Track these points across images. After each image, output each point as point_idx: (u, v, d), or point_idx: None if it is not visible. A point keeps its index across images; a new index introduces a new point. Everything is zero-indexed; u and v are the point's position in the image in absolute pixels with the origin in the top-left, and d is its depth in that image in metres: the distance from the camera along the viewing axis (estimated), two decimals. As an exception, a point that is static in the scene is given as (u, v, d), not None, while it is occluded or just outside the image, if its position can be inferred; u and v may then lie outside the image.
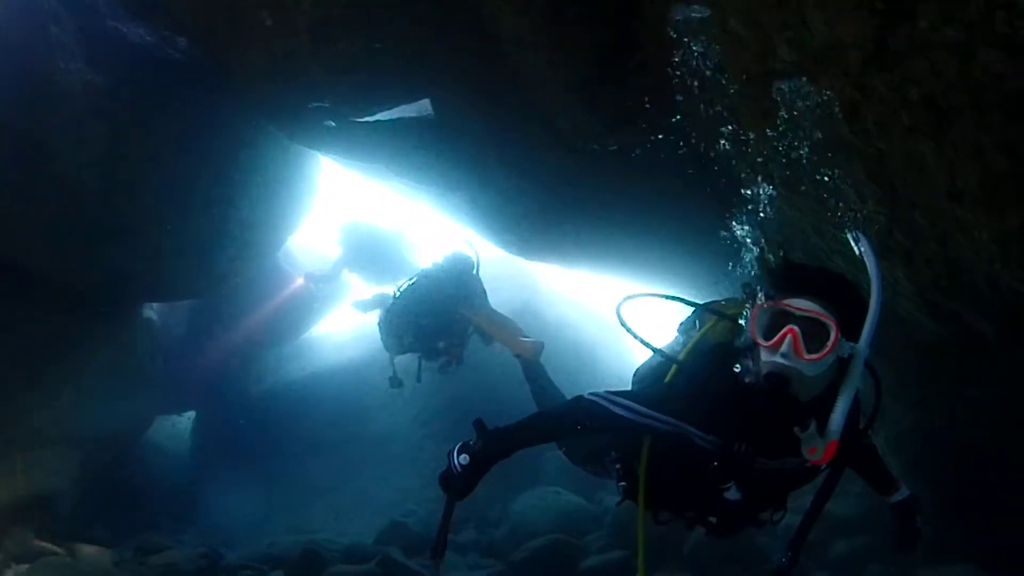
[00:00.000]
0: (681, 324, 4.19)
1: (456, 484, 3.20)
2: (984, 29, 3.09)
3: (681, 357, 3.83)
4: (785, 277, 3.32)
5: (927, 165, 3.90)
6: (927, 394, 7.84)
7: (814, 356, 3.14)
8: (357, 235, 14.00)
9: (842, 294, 3.27)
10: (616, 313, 4.00)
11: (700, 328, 4.03)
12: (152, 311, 13.98)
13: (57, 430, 10.82)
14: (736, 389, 3.40)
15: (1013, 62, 3.11)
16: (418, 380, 9.82)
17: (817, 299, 3.17)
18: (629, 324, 3.93)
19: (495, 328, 8.79)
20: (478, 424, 3.34)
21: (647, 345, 3.99)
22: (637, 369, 4.36)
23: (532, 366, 7.54)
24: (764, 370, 3.23)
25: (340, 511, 13.43)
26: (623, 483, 3.94)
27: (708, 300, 4.22)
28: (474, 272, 9.29)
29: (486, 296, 9.27)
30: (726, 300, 4.14)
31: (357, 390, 15.92)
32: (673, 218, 7.94)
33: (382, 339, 9.93)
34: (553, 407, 4.65)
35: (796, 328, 3.13)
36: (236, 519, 13.57)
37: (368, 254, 13.83)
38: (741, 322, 3.45)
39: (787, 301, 3.18)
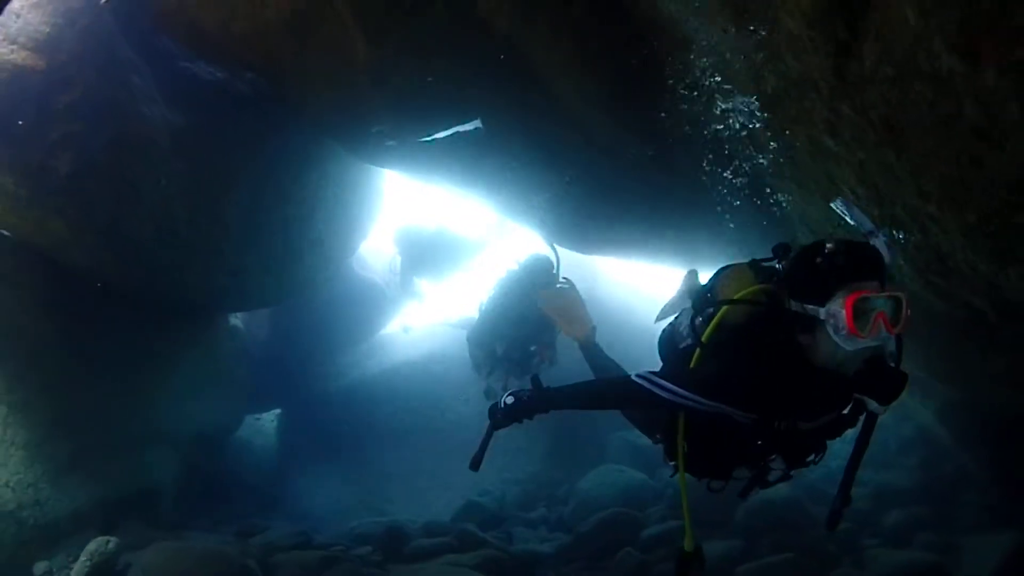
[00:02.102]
0: (694, 298, 4.21)
1: (496, 417, 3.71)
2: (912, 66, 3.51)
3: (704, 339, 3.85)
4: (850, 265, 3.32)
5: (897, 170, 4.26)
6: (955, 367, 7.82)
7: (900, 328, 3.35)
8: (412, 239, 14.37)
9: (883, 264, 3.39)
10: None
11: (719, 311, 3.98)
12: (237, 318, 14.55)
13: (156, 430, 11.20)
14: (798, 369, 3.47)
15: (940, 91, 3.50)
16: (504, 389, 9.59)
17: (877, 277, 3.31)
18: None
19: (554, 313, 8.87)
20: (534, 379, 3.79)
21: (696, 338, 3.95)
22: (659, 337, 4.45)
23: (589, 347, 7.58)
24: (863, 355, 3.34)
25: (419, 495, 13.67)
26: (672, 461, 4.01)
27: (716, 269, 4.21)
28: (554, 272, 9.37)
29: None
30: (726, 273, 4.10)
31: (430, 382, 16.32)
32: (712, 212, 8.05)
33: (472, 355, 10.10)
34: (602, 381, 4.95)
35: (883, 311, 3.28)
36: (321, 507, 13.90)
37: (425, 255, 14.22)
38: (822, 316, 3.31)
39: (861, 288, 3.25)
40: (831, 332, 3.30)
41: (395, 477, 14.82)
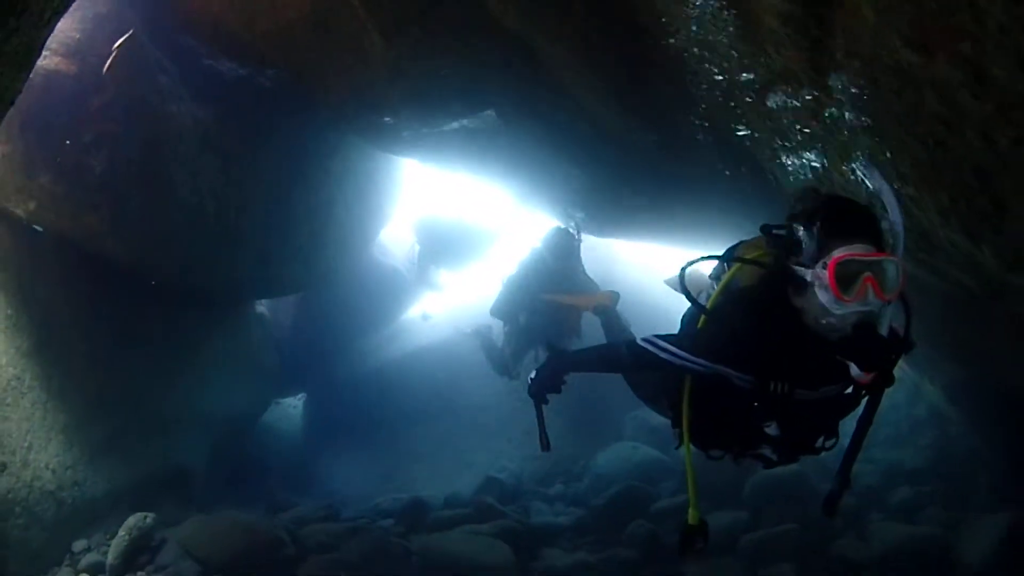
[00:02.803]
0: (712, 271, 4.30)
1: (532, 394, 3.96)
2: (876, 59, 3.76)
3: (709, 306, 3.87)
4: (836, 225, 3.26)
5: (877, 151, 4.45)
6: (955, 343, 8.02)
7: (892, 295, 3.25)
8: (432, 229, 14.49)
9: (877, 225, 3.29)
10: (681, 281, 3.96)
11: (726, 273, 4.02)
12: (263, 306, 14.89)
13: (188, 413, 11.44)
14: (793, 330, 3.42)
15: (903, 81, 3.74)
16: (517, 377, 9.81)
17: (870, 240, 3.21)
18: (687, 287, 3.91)
19: (572, 299, 9.03)
20: (550, 346, 4.10)
21: (691, 299, 3.94)
22: (683, 315, 4.40)
23: (609, 317, 7.77)
24: (851, 320, 3.24)
25: (440, 474, 13.74)
26: (677, 429, 3.96)
27: (731, 244, 4.17)
28: (576, 238, 9.54)
29: (583, 267, 9.48)
30: (744, 242, 4.07)
31: (451, 365, 16.23)
32: (714, 191, 8.23)
33: (484, 348, 10.25)
34: (612, 345, 4.87)
35: (871, 275, 3.17)
36: (346, 487, 14.15)
37: (443, 245, 14.38)
38: (809, 278, 3.29)
39: (850, 251, 3.17)
40: (819, 295, 3.24)
41: (417, 457, 14.97)
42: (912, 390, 11.91)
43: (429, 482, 13.22)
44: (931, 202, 4.50)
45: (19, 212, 8.32)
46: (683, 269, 3.97)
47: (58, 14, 3.80)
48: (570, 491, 12.15)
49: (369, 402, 16.52)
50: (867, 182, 4.02)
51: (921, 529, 9.32)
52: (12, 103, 3.90)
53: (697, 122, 6.84)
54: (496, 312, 9.94)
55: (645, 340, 3.73)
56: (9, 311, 8.22)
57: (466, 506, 10.72)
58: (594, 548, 9.53)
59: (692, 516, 3.85)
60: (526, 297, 9.50)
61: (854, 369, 3.41)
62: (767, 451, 4.01)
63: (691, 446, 3.87)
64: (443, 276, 15.94)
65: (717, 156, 7.18)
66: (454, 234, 14.82)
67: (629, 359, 3.89)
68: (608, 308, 8.08)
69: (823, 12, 3.98)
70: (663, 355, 3.62)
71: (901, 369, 12.30)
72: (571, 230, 9.72)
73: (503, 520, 9.88)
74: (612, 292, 8.53)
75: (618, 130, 8.06)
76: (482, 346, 10.39)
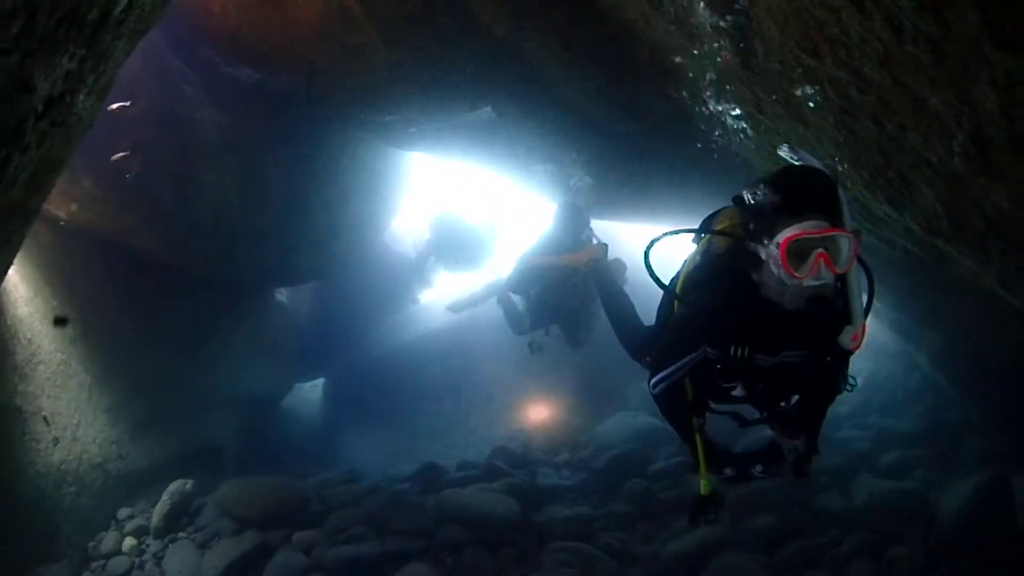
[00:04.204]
0: (694, 239, 4.24)
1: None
2: (786, 61, 4.27)
3: (678, 290, 3.97)
4: (788, 202, 3.23)
5: (810, 139, 4.97)
6: (924, 308, 8.46)
7: (844, 268, 3.26)
8: (444, 226, 14.66)
9: (830, 197, 3.26)
10: (645, 260, 3.95)
11: (702, 242, 4.04)
12: (282, 295, 15.30)
13: (218, 395, 11.92)
14: (753, 301, 3.47)
15: (808, 79, 4.28)
16: (539, 350, 9.96)
17: (823, 213, 3.19)
18: (653, 267, 3.91)
19: (562, 258, 9.05)
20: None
21: (661, 285, 4.03)
22: (659, 304, 4.59)
23: (600, 271, 7.93)
24: (805, 294, 3.28)
25: (453, 447, 14.16)
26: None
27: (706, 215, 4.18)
28: (583, 215, 9.48)
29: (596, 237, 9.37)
30: (721, 211, 4.07)
31: (462, 345, 16.70)
32: (693, 176, 8.60)
33: (504, 309, 10.25)
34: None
35: (824, 250, 3.17)
36: (365, 462, 14.12)
37: (453, 244, 14.56)
38: (763, 255, 3.32)
39: (800, 228, 3.15)
40: (774, 271, 3.29)
41: (431, 434, 15.39)
42: (908, 360, 12.17)
43: (443, 455, 13.46)
44: (858, 178, 4.98)
45: (61, 214, 8.57)
46: (647, 249, 3.98)
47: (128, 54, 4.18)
48: (575, 458, 12.40)
49: (385, 383, 16.85)
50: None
51: (903, 484, 9.65)
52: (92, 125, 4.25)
53: (672, 111, 7.20)
54: (511, 287, 10.09)
55: (656, 384, 3.80)
56: (54, 302, 8.44)
57: (477, 468, 11.11)
58: (594, 505, 9.98)
59: (704, 487, 3.95)
60: (536, 270, 9.58)
61: (844, 336, 3.42)
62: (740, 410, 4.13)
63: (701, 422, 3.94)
64: (439, 272, 16.17)
65: (689, 138, 7.48)
66: (466, 237, 14.77)
67: (665, 404, 3.92)
68: (599, 261, 8.28)
69: (743, 23, 4.53)
70: (673, 380, 3.74)
71: (893, 340, 12.63)
72: (579, 201, 9.83)
73: (511, 479, 10.37)
74: (601, 244, 8.67)
75: (605, 122, 8.45)
76: (500, 303, 10.49)
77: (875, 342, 13.50)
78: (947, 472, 9.51)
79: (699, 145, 7.33)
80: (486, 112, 9.52)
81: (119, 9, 3.15)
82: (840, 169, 4.89)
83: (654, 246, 3.98)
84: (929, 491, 9.29)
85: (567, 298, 9.39)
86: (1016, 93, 3.00)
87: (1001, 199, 3.83)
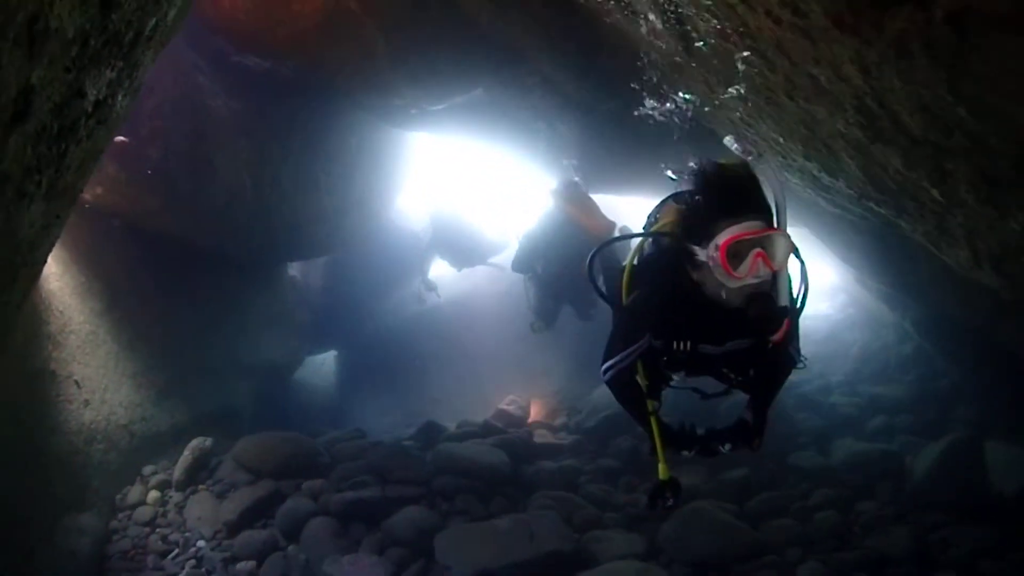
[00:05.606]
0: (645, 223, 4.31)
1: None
2: (717, 49, 4.64)
3: (625, 279, 3.98)
4: (723, 204, 3.25)
5: (756, 117, 5.36)
6: (895, 274, 8.68)
7: (781, 265, 3.30)
8: (446, 222, 15.02)
9: (761, 196, 3.28)
10: (588, 267, 4.10)
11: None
12: (295, 270, 15.73)
13: (235, 362, 12.37)
14: (694, 298, 3.47)
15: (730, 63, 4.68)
16: (552, 324, 10.01)
17: (758, 213, 3.22)
18: (595, 278, 4.09)
19: (578, 210, 9.17)
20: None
21: (601, 295, 4.14)
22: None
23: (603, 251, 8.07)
24: (745, 292, 3.26)
25: (458, 414, 13.81)
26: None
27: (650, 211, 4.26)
28: (582, 191, 9.55)
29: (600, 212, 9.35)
30: (664, 203, 4.13)
31: (468, 316, 17.12)
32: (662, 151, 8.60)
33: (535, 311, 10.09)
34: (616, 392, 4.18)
35: (761, 249, 3.19)
36: (373, 428, 14.06)
37: (450, 239, 14.95)
38: (702, 257, 3.32)
39: (738, 230, 3.17)
40: (713, 271, 3.29)
41: (438, 400, 15.57)
42: (901, 330, 12.30)
43: (447, 419, 13.46)
44: (796, 152, 5.32)
45: (87, 196, 8.78)
46: (591, 257, 4.16)
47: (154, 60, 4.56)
48: (572, 422, 12.80)
49: (393, 354, 17.14)
50: (741, 152, 4.10)
51: (878, 446, 9.88)
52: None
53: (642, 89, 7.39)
54: (516, 267, 10.15)
55: (607, 370, 3.83)
56: (82, 278, 8.85)
57: (474, 427, 11.55)
58: (584, 461, 10.50)
59: (662, 471, 3.91)
60: (539, 247, 9.70)
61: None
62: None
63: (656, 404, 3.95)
64: (434, 267, 16.21)
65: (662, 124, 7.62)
66: (464, 235, 15.04)
67: (617, 391, 3.96)
68: (610, 231, 8.46)
69: (685, 31, 5.00)
70: (619, 368, 3.75)
71: (880, 309, 12.78)
72: (575, 179, 9.92)
73: (504, 436, 10.90)
74: (611, 222, 8.93)
75: (586, 101, 8.93)
76: (512, 266, 10.40)
77: (869, 312, 13.80)
78: (931, 438, 9.54)
79: (677, 120, 7.56)
80: (478, 94, 10.02)
81: (149, 28, 3.83)
82: (790, 145, 5.19)
83: (599, 253, 4.18)
84: (907, 454, 9.47)
85: (573, 267, 9.14)
86: (871, 72, 3.36)
87: (897, 163, 4.19)
